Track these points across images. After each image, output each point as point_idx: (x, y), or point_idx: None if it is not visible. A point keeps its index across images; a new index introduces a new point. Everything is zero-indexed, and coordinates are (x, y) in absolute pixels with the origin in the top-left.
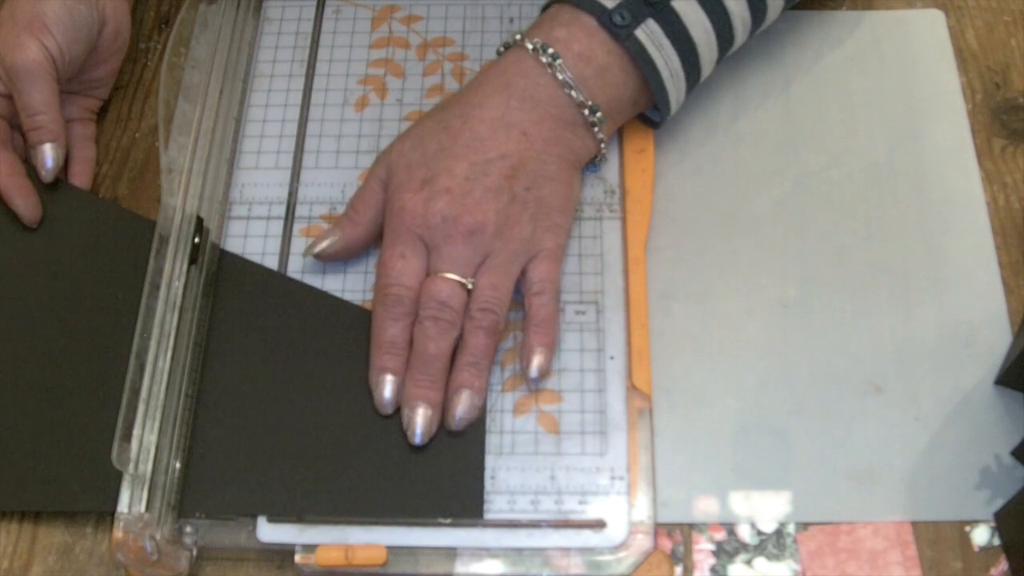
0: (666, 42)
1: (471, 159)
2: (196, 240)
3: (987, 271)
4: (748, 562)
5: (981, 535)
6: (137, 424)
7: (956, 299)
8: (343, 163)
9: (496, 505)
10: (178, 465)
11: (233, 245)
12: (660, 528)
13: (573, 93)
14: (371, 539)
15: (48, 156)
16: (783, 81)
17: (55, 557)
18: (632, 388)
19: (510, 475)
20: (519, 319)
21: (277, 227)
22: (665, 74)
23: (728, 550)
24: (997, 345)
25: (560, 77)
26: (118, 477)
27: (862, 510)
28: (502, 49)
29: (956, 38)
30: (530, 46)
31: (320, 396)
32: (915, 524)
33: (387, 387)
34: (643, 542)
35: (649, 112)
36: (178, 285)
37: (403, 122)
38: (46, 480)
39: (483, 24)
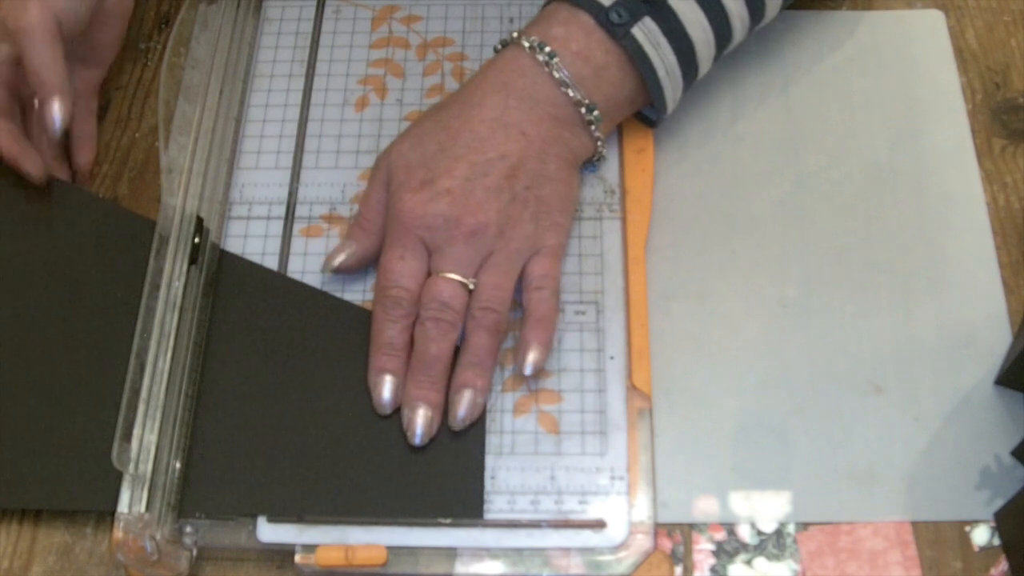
0: (663, 40)
1: (471, 159)
2: (196, 240)
3: (987, 271)
4: (748, 562)
5: (981, 535)
6: (137, 424)
7: (956, 299)
8: (343, 163)
9: (496, 505)
10: (178, 465)
11: (233, 245)
12: (660, 528)
13: (570, 92)
14: (371, 539)
15: (56, 112)
16: (783, 81)
17: (55, 557)
18: (632, 388)
19: (510, 475)
20: (519, 319)
21: (277, 227)
22: (661, 73)
23: (728, 550)
24: (997, 345)
25: (557, 76)
26: (118, 477)
27: (862, 510)
28: (499, 47)
29: (956, 38)
30: (527, 44)
31: (320, 396)
32: (915, 524)
33: (386, 388)
34: (643, 542)
35: (646, 111)
36: (178, 285)
37: (403, 122)
38: (47, 479)
39: (483, 24)
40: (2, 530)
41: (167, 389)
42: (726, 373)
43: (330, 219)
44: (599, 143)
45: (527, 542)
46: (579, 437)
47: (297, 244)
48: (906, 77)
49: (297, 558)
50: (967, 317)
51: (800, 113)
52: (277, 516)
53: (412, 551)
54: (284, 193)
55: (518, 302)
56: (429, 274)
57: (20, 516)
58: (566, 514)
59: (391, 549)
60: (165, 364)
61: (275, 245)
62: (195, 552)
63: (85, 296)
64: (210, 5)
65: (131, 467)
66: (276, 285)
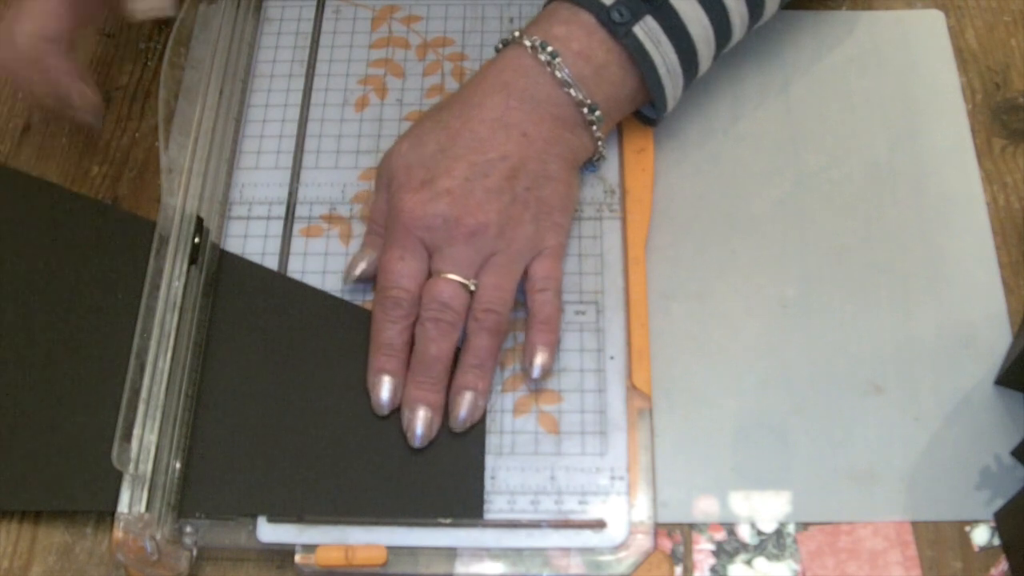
0: (664, 39)
1: (471, 159)
2: (196, 240)
3: (987, 271)
4: (748, 562)
5: (981, 535)
6: (137, 424)
7: (956, 299)
8: (343, 163)
9: (496, 505)
10: (178, 465)
11: (233, 245)
12: (660, 528)
13: (572, 92)
14: (371, 539)
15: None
16: (783, 81)
17: (55, 557)
18: (632, 388)
19: (510, 475)
20: (519, 319)
21: (277, 227)
22: (662, 71)
23: (728, 550)
24: (997, 345)
25: (559, 76)
26: (118, 477)
27: (862, 510)
28: (500, 46)
29: (956, 38)
30: (528, 44)
31: (320, 396)
32: (915, 524)
33: (384, 388)
34: (643, 542)
35: (645, 109)
36: (178, 285)
37: (403, 122)
38: (46, 480)
39: (483, 24)
40: (2, 530)
41: (167, 389)
42: (726, 373)
43: (330, 219)
44: (599, 143)
45: (527, 542)
46: (579, 437)
47: (297, 244)
48: (906, 77)
49: (297, 558)
50: (967, 317)
51: (800, 113)
52: (277, 516)
53: (412, 551)
54: (284, 193)
55: (519, 303)
56: (430, 275)
57: (20, 516)
58: (566, 514)
59: (391, 549)
60: (165, 364)
61: (275, 245)
62: (195, 552)
63: (84, 297)
64: (210, 5)
65: (131, 467)
66: (276, 285)
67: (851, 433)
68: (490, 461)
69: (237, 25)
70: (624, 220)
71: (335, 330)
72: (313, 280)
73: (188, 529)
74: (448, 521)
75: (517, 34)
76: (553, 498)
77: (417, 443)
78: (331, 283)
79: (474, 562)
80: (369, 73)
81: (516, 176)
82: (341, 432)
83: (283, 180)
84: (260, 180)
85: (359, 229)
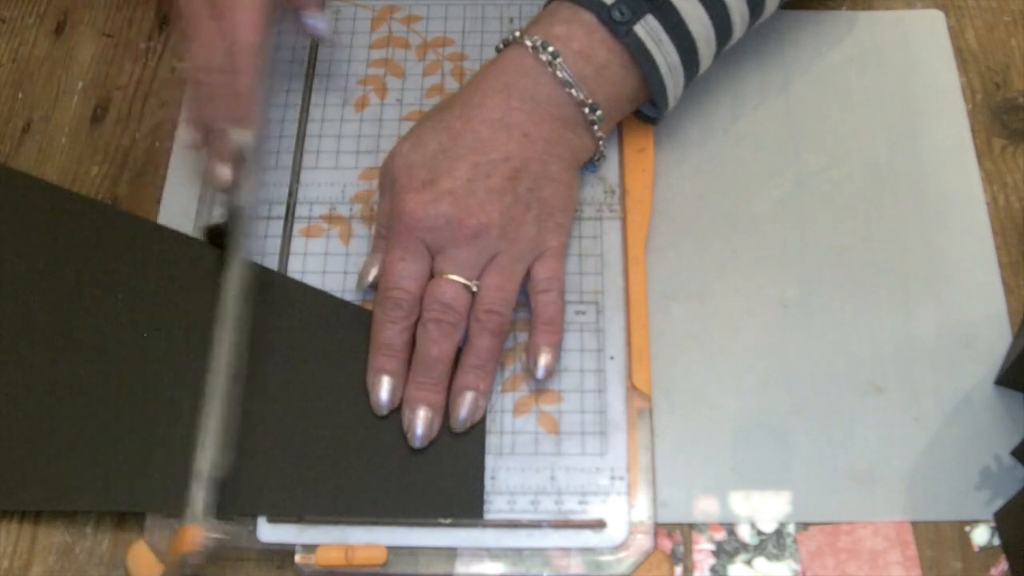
0: (665, 38)
1: (472, 160)
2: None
3: (987, 271)
4: (748, 562)
5: (981, 535)
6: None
7: (956, 299)
8: (343, 163)
9: (496, 505)
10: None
11: None
12: (660, 528)
13: (573, 91)
14: (371, 539)
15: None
16: (783, 81)
17: (55, 557)
18: (632, 388)
19: (510, 475)
20: (519, 319)
21: (277, 227)
22: (664, 70)
23: (728, 550)
24: (997, 345)
25: (560, 75)
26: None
27: (862, 510)
28: (501, 46)
29: (956, 38)
30: (529, 44)
31: (320, 396)
32: (915, 524)
33: (383, 389)
34: (643, 542)
35: (646, 108)
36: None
37: (403, 122)
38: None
39: (483, 24)
40: (2, 530)
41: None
42: (726, 373)
43: (330, 219)
44: (600, 143)
45: (527, 542)
46: (579, 437)
47: (297, 244)
48: (906, 77)
49: (297, 558)
50: (967, 317)
51: (800, 113)
52: (277, 516)
53: (412, 551)
54: (284, 193)
55: (521, 303)
56: (432, 276)
57: (20, 516)
58: (566, 514)
59: (391, 549)
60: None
61: (275, 245)
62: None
63: (84, 297)
64: None
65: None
66: (275, 285)
67: (851, 433)
68: (490, 461)
69: None
70: (624, 220)
71: (335, 330)
72: (313, 280)
73: None
74: (448, 521)
75: (518, 34)
76: (553, 498)
77: (417, 443)
78: (331, 283)
79: (474, 562)
80: (369, 73)
81: (518, 177)
82: (341, 432)
83: (283, 180)
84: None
85: (359, 229)
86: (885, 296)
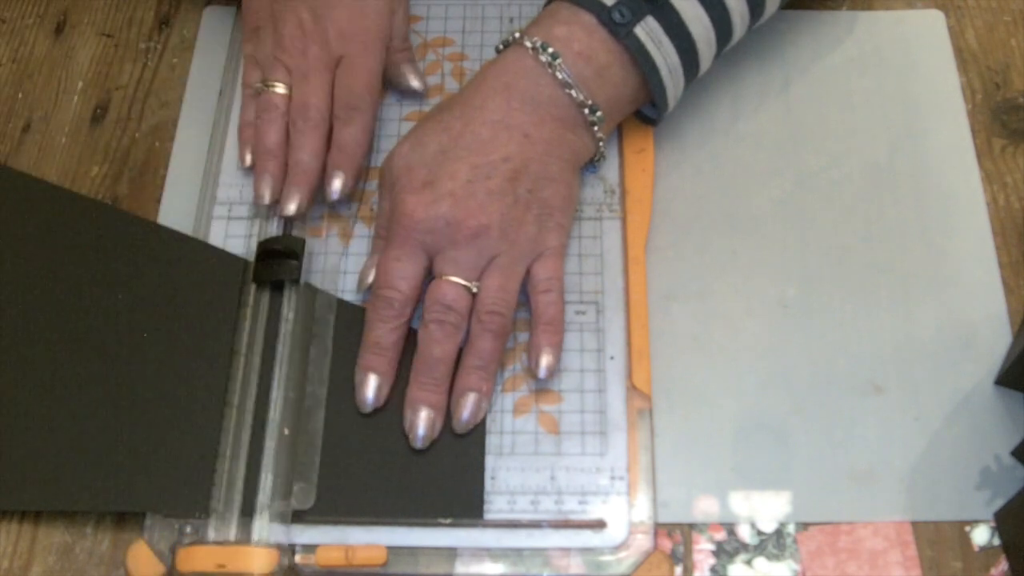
0: (665, 39)
1: (472, 161)
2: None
3: (987, 271)
4: (748, 562)
5: (981, 535)
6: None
7: (956, 299)
8: None
9: (496, 505)
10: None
11: (234, 245)
12: (660, 528)
13: (573, 92)
14: (371, 539)
15: (339, 188)
16: (783, 81)
17: (55, 557)
18: (632, 388)
19: (510, 475)
20: (519, 319)
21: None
22: (664, 72)
23: (728, 550)
24: (997, 345)
25: (560, 77)
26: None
27: (862, 510)
28: (500, 47)
29: (956, 38)
30: (529, 45)
31: (321, 396)
32: (915, 524)
33: (369, 387)
34: (643, 542)
35: (646, 109)
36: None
37: (403, 122)
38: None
39: (483, 24)
40: (2, 530)
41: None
42: (726, 373)
43: (329, 219)
44: (601, 143)
45: (527, 542)
46: (579, 437)
47: None
48: (906, 77)
49: (297, 558)
50: (967, 317)
51: (800, 113)
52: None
53: (412, 551)
54: None
55: (521, 303)
56: (431, 277)
57: (20, 516)
58: (566, 514)
59: (391, 549)
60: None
61: None
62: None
63: (84, 297)
64: (207, 6)
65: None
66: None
67: (851, 433)
68: (490, 461)
69: (239, 26)
70: (624, 220)
71: (338, 331)
72: (313, 279)
73: (188, 529)
74: (448, 521)
75: (518, 35)
76: (553, 498)
77: (419, 444)
78: (330, 282)
79: (474, 562)
80: None
81: (518, 178)
82: (341, 432)
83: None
84: None
85: (359, 229)
86: (885, 296)
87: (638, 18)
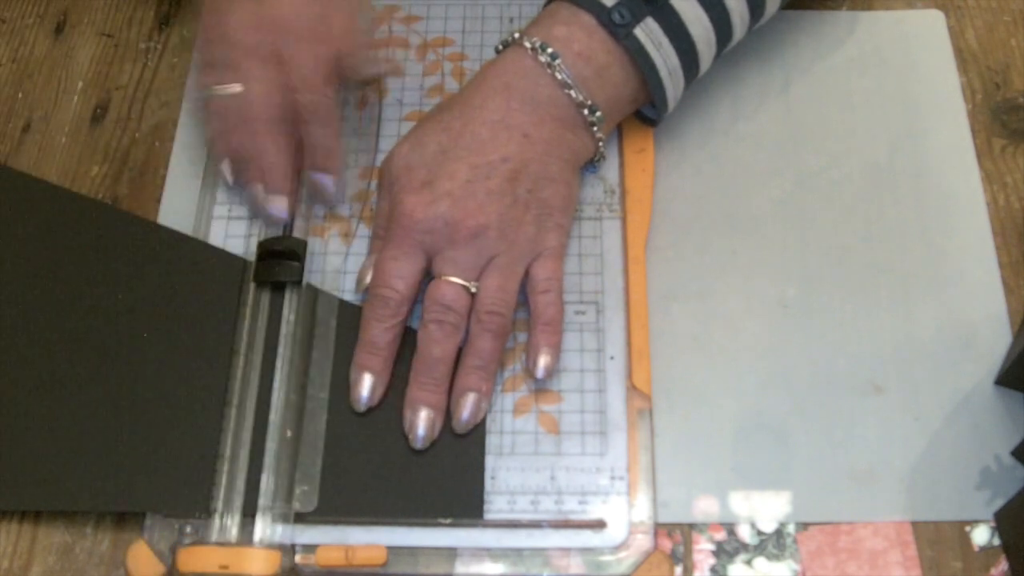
0: (665, 40)
1: (472, 161)
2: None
3: (987, 271)
4: (748, 562)
5: (981, 535)
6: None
7: (956, 299)
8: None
9: (496, 505)
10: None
11: (234, 246)
12: (660, 528)
13: (573, 93)
14: (371, 539)
15: (332, 189)
16: (783, 81)
17: (55, 557)
18: (632, 388)
19: (510, 475)
20: (519, 319)
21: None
22: (663, 73)
23: (728, 550)
24: (997, 345)
25: (559, 77)
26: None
27: (862, 510)
28: (500, 47)
29: (956, 38)
30: (528, 45)
31: (321, 396)
32: (915, 524)
33: (363, 386)
34: (643, 542)
35: (646, 109)
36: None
37: (403, 122)
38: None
39: (483, 24)
40: (2, 530)
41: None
42: (726, 373)
43: (330, 219)
44: (600, 143)
45: (527, 542)
46: (579, 437)
47: None
48: (906, 77)
49: (297, 558)
50: (967, 317)
51: (800, 113)
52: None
53: (412, 551)
54: None
55: (520, 303)
56: (429, 277)
57: (20, 516)
58: (566, 514)
59: (391, 549)
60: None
61: None
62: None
63: (84, 297)
64: None
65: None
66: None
67: (851, 433)
68: (490, 461)
69: None
70: (624, 220)
71: (337, 333)
72: (314, 279)
73: (188, 529)
74: (448, 521)
75: (517, 35)
76: (553, 498)
77: (419, 444)
78: (331, 282)
79: (474, 562)
80: None
81: (517, 178)
82: (341, 432)
83: None
84: None
85: (360, 229)
86: (885, 296)
87: (638, 19)
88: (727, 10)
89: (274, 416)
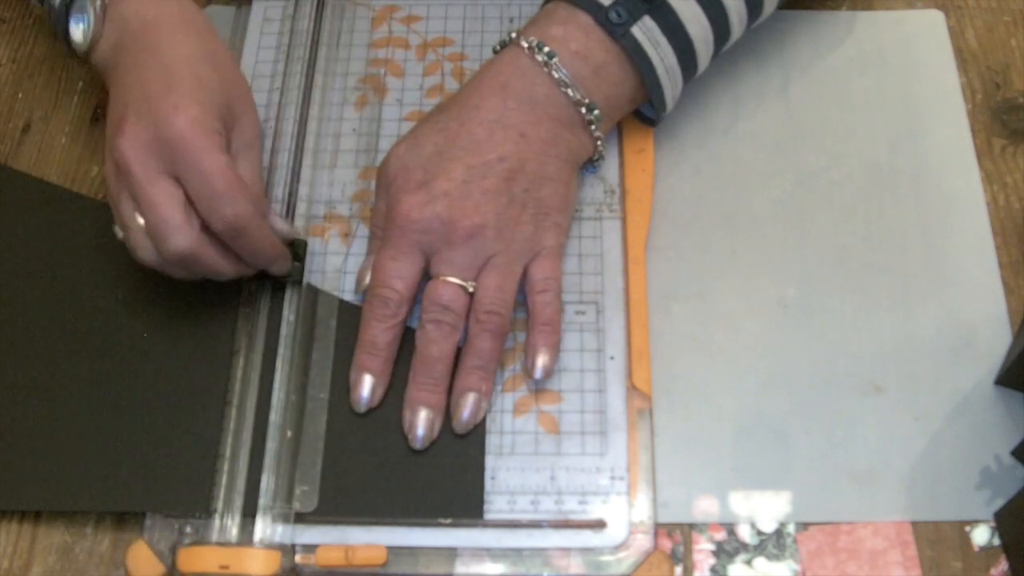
0: (662, 39)
1: (468, 161)
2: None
3: (987, 271)
4: (748, 562)
5: (981, 535)
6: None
7: (956, 299)
8: (343, 163)
9: (496, 505)
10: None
11: None
12: (660, 528)
13: (570, 92)
14: (371, 539)
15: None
16: (783, 81)
17: (55, 557)
18: (632, 388)
19: (510, 475)
20: (518, 319)
21: None
22: (661, 71)
23: (728, 550)
24: (997, 345)
25: (556, 76)
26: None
27: (862, 510)
28: (498, 47)
29: (956, 38)
30: (526, 44)
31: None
32: (915, 524)
33: (364, 387)
34: (643, 542)
35: (645, 109)
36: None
37: (403, 122)
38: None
39: (483, 24)
40: (2, 530)
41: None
42: (726, 373)
43: (330, 219)
44: (599, 143)
45: (527, 542)
46: (579, 437)
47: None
48: (906, 77)
49: (297, 558)
50: (967, 317)
51: (800, 113)
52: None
53: (412, 551)
54: (284, 192)
55: (519, 303)
56: (428, 278)
57: (20, 516)
58: (566, 514)
59: (391, 549)
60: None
61: None
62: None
63: (84, 297)
64: (208, 6)
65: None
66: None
67: (851, 433)
68: (490, 461)
69: (238, 26)
70: (624, 220)
71: (337, 333)
72: (314, 279)
73: (188, 529)
74: (448, 521)
75: (514, 35)
76: (553, 498)
77: (418, 444)
78: (331, 282)
79: (474, 562)
80: (369, 73)
81: (514, 177)
82: (341, 432)
83: (282, 179)
84: None
85: (359, 229)
86: (885, 296)
87: (635, 18)
88: (725, 9)
89: (274, 416)
